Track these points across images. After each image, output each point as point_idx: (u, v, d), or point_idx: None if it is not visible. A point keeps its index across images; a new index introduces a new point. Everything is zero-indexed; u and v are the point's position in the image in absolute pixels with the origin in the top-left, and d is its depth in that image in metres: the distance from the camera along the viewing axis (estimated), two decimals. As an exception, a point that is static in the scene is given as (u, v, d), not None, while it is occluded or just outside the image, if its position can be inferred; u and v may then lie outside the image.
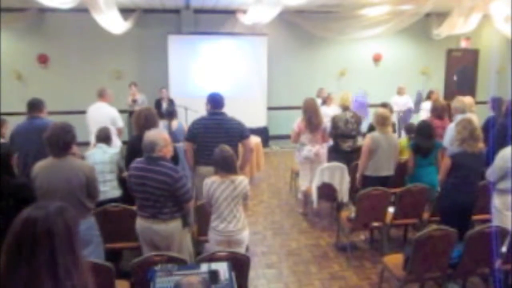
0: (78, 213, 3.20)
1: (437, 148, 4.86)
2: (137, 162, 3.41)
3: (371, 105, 9.23)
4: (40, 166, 3.28)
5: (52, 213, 1.42)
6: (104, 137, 4.59)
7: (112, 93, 6.23)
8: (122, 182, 4.34)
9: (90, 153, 4.46)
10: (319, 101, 7.69)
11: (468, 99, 5.84)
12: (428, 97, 9.03)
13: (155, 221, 3.31)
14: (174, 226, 3.34)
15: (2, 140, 4.47)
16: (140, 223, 3.41)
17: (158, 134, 3.38)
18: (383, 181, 4.72)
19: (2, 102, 8.50)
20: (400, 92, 9.49)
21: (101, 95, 6.02)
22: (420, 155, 4.78)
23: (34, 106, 4.49)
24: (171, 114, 5.96)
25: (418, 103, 9.57)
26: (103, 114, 5.81)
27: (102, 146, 4.50)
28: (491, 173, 3.95)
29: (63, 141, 3.19)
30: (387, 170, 4.84)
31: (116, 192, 4.35)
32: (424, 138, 4.80)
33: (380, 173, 4.80)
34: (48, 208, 1.44)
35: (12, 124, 4.89)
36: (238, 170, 3.64)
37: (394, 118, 8.22)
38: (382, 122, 4.82)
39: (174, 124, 5.80)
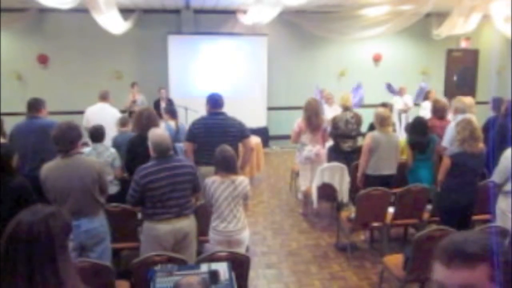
0: (92, 210, 3.23)
1: (432, 142, 4.91)
2: (151, 166, 3.22)
3: (371, 105, 9.21)
4: (49, 168, 3.21)
5: (38, 219, 1.43)
6: (99, 136, 4.52)
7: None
8: (121, 181, 4.34)
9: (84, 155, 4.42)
10: (321, 100, 7.70)
11: (468, 100, 5.83)
12: (426, 97, 9.04)
13: (179, 219, 3.27)
14: (193, 218, 3.42)
15: (2, 140, 4.47)
16: (159, 228, 3.22)
17: (164, 133, 3.40)
18: (385, 180, 4.73)
19: (2, 102, 8.48)
20: (401, 92, 9.49)
21: (105, 97, 6.30)
22: (417, 151, 4.85)
23: (33, 106, 4.48)
24: (174, 113, 5.97)
25: (420, 95, 9.32)
26: (109, 115, 6.00)
27: (97, 146, 4.44)
28: (496, 174, 3.93)
29: (69, 139, 3.18)
30: (389, 169, 4.84)
31: (114, 188, 4.40)
32: (419, 135, 4.89)
33: (381, 172, 4.81)
34: (37, 213, 1.45)
35: (11, 124, 4.87)
36: (238, 170, 3.64)
37: (394, 118, 8.24)
38: (382, 121, 4.84)
39: (177, 123, 5.82)
